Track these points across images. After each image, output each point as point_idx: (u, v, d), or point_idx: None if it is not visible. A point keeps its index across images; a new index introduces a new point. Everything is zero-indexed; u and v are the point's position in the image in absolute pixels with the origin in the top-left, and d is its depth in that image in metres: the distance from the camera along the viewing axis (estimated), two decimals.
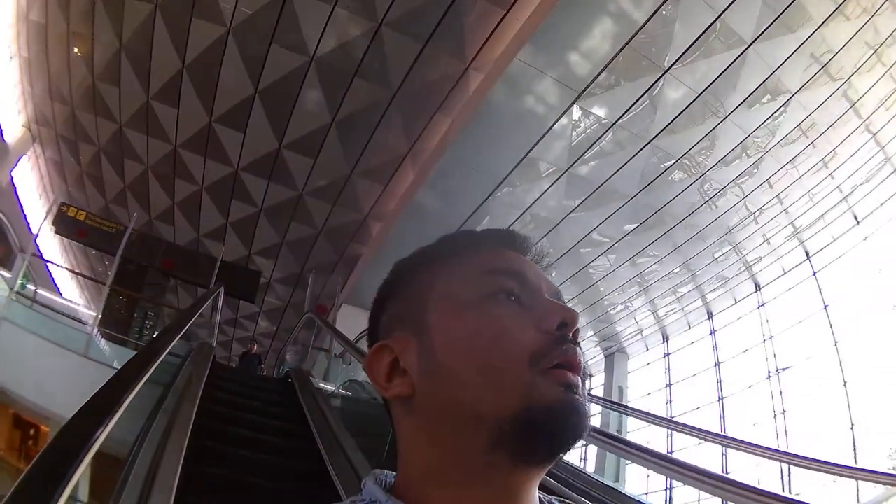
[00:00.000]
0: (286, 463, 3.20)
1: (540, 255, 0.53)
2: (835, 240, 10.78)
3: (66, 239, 10.45)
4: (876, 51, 7.68)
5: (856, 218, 10.82)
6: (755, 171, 8.75)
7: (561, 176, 7.89)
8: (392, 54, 7.38)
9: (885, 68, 8.22)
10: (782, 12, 6.65)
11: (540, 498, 0.47)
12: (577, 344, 0.46)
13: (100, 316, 7.21)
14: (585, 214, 8.58)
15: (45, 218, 9.53)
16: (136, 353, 3.71)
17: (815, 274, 10.77)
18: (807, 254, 10.97)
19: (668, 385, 12.54)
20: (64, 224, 9.34)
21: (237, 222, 10.11)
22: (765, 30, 6.83)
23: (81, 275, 14.09)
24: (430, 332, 0.46)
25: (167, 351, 2.62)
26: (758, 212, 9.59)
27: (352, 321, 8.30)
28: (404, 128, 7.92)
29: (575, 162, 7.76)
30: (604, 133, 7.57)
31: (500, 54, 7.10)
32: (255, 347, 9.89)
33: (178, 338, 3.10)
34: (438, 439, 0.44)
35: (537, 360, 0.43)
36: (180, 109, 8.83)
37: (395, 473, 0.47)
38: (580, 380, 0.44)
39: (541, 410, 0.41)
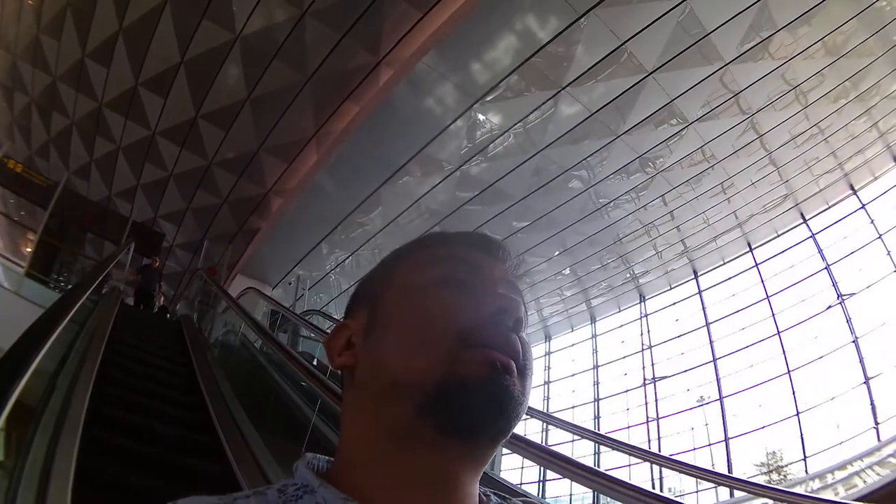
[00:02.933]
0: (171, 379, 4.18)
1: (511, 262, 0.52)
2: (725, 262, 11.41)
3: None
4: (795, 88, 8.15)
5: (749, 245, 11.47)
6: (649, 185, 9.22)
7: (453, 172, 8.40)
8: (312, 41, 7.76)
9: (801, 107, 8.72)
10: (686, 49, 7.08)
11: (481, 495, 0.46)
12: (517, 332, 0.45)
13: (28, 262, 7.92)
14: (477, 209, 9.04)
15: None
16: (60, 294, 5.14)
17: (700, 293, 11.37)
18: (695, 272, 11.56)
19: (547, 382, 13.06)
20: (3, 175, 9.65)
21: (148, 185, 10.41)
22: (667, 62, 7.26)
23: (19, 223, 14.28)
24: (379, 308, 0.48)
25: (92, 289, 3.59)
26: (650, 225, 10.12)
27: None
28: (314, 111, 8.30)
29: (468, 161, 8.27)
30: (497, 138, 8.08)
31: (411, 54, 7.49)
32: (158, 262, 9.29)
33: (99, 279, 4.16)
34: (369, 408, 0.44)
35: (466, 337, 0.42)
36: (111, 69, 9.13)
37: (328, 458, 0.47)
38: (514, 365, 0.43)
39: (458, 384, 0.41)
